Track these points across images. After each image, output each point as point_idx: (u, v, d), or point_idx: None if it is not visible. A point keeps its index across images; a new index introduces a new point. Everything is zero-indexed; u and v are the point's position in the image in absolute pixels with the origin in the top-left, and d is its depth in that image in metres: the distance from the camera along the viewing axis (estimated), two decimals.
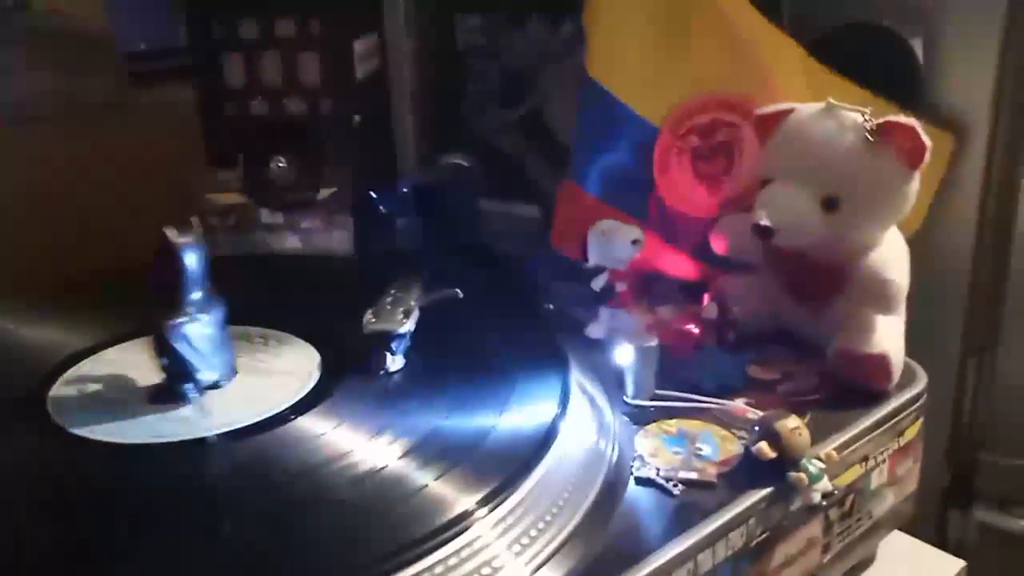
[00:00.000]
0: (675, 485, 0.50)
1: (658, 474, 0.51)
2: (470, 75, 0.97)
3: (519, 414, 0.52)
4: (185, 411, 0.52)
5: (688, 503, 0.49)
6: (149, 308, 0.51)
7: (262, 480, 0.48)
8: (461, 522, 0.43)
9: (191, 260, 0.50)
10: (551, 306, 0.72)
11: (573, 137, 0.76)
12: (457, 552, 0.42)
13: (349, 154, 0.80)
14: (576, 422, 0.53)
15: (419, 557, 0.41)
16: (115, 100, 0.97)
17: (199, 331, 0.51)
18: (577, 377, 0.57)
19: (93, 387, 0.54)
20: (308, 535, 0.43)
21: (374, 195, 0.78)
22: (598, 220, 0.67)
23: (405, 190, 0.80)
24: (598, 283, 0.67)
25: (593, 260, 0.67)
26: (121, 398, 0.53)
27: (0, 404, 0.54)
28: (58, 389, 0.54)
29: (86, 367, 0.57)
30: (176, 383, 0.52)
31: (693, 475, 0.51)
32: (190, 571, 0.40)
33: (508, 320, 0.65)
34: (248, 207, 0.78)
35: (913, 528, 0.66)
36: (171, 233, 0.50)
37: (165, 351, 0.51)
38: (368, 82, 0.81)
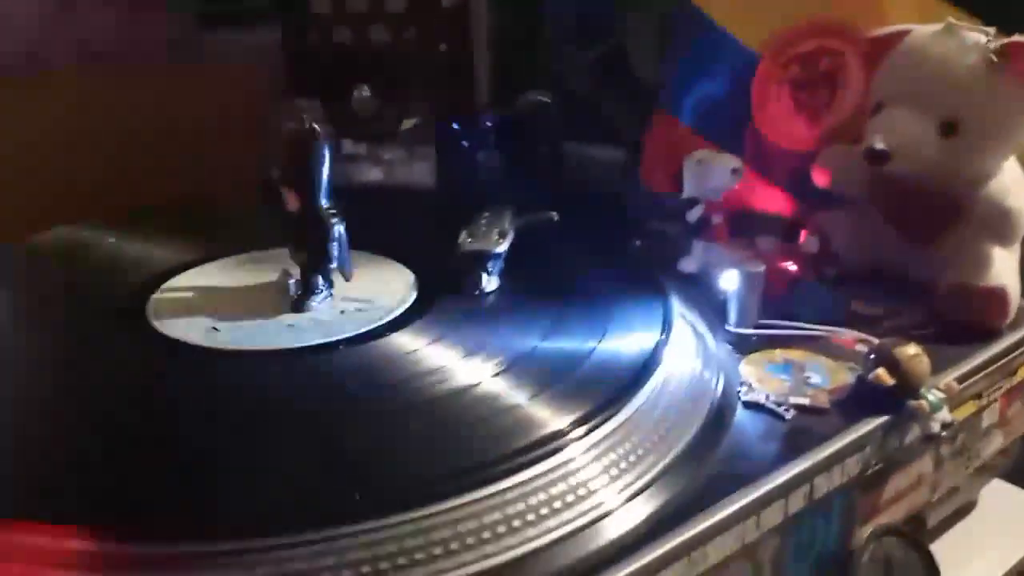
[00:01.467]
0: (787, 409, 0.48)
1: (768, 399, 0.49)
2: (548, 13, 0.95)
3: (620, 339, 0.51)
4: (285, 321, 0.52)
5: (801, 427, 0.47)
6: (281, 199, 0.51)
7: (357, 390, 0.47)
8: (552, 442, 0.41)
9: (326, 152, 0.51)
10: (638, 242, 0.70)
11: (661, 70, 0.74)
12: (546, 473, 0.40)
13: (431, 85, 0.78)
14: (679, 349, 0.51)
15: (507, 474, 0.39)
16: (184, 39, 0.97)
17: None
18: (676, 305, 0.56)
19: (190, 296, 0.54)
20: (397, 444, 0.42)
21: (457, 127, 0.77)
22: (693, 150, 0.65)
23: (489, 124, 0.78)
24: (693, 215, 0.65)
25: (688, 191, 0.65)
26: (218, 308, 0.53)
27: (105, 311, 0.54)
28: (158, 297, 0.54)
29: (183, 279, 0.57)
30: (310, 277, 0.53)
31: (805, 401, 0.49)
32: (290, 473, 0.39)
33: (599, 251, 0.64)
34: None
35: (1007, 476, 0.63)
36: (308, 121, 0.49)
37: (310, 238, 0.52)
38: (451, 13, 0.79)
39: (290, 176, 0.52)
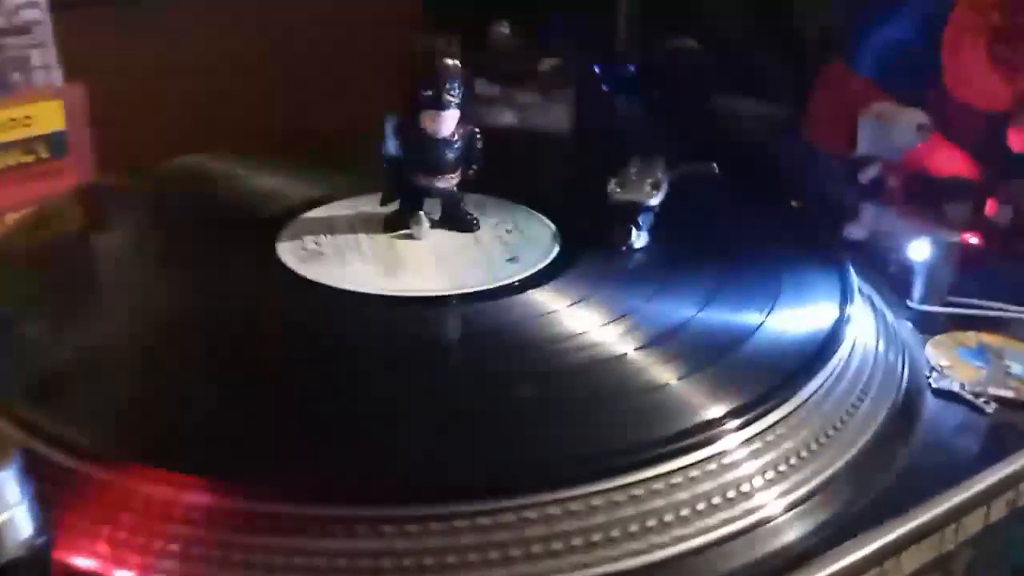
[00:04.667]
0: (986, 402, 0.42)
1: (963, 388, 0.43)
2: None
3: (790, 314, 0.45)
4: (415, 264, 0.48)
5: (1005, 424, 0.41)
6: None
7: (483, 348, 0.43)
8: (702, 432, 0.36)
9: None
10: (795, 203, 0.63)
11: (832, 17, 0.67)
12: (694, 466, 0.35)
13: (573, 24, 0.73)
14: (858, 327, 0.45)
15: (649, 464, 0.34)
16: None
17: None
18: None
19: (317, 234, 0.51)
20: (525, 415, 0.37)
21: (597, 71, 0.71)
22: (871, 104, 0.58)
23: (632, 69, 0.73)
24: (866, 175, 0.58)
25: (863, 148, 0.59)
26: (345, 246, 0.50)
27: (234, 246, 0.51)
28: (285, 234, 0.51)
29: (311, 216, 0.54)
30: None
31: (1008, 393, 0.42)
32: (408, 424, 0.36)
33: (757, 212, 0.57)
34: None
35: None
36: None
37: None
38: None
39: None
